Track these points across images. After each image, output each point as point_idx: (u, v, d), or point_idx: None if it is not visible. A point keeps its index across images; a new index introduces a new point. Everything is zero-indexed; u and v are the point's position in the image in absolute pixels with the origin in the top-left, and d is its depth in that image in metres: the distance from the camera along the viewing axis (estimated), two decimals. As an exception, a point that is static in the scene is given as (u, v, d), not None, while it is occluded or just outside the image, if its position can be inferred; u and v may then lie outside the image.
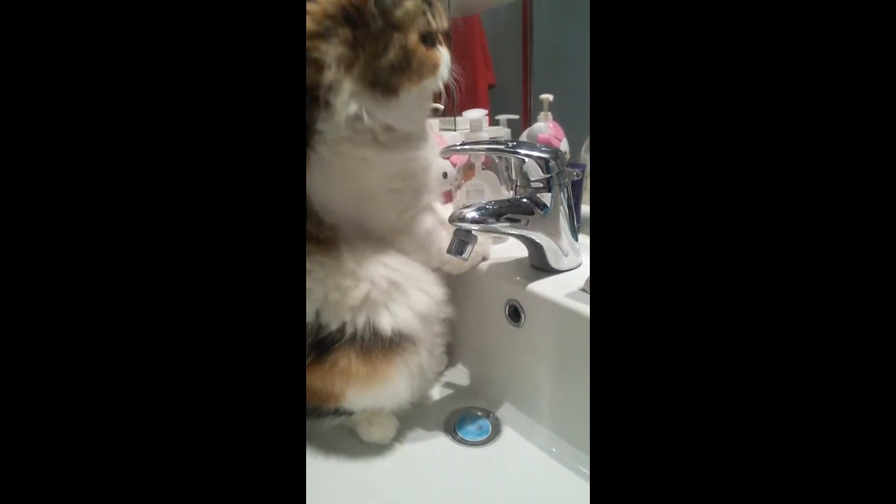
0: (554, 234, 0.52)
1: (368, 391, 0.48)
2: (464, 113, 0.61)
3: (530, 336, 0.53)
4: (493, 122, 0.87)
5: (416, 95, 0.45)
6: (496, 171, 0.63)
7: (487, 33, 1.11)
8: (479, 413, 0.57)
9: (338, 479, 0.48)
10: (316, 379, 0.47)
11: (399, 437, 0.52)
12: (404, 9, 0.42)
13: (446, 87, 0.47)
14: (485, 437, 0.53)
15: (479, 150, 0.55)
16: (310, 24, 0.41)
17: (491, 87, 1.15)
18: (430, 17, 0.43)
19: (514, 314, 0.55)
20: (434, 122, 0.77)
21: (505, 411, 0.57)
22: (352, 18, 0.41)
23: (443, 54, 0.45)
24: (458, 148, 0.50)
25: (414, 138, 0.48)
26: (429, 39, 0.44)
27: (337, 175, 0.45)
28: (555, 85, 0.85)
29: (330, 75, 0.41)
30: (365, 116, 0.43)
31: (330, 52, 0.41)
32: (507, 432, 0.54)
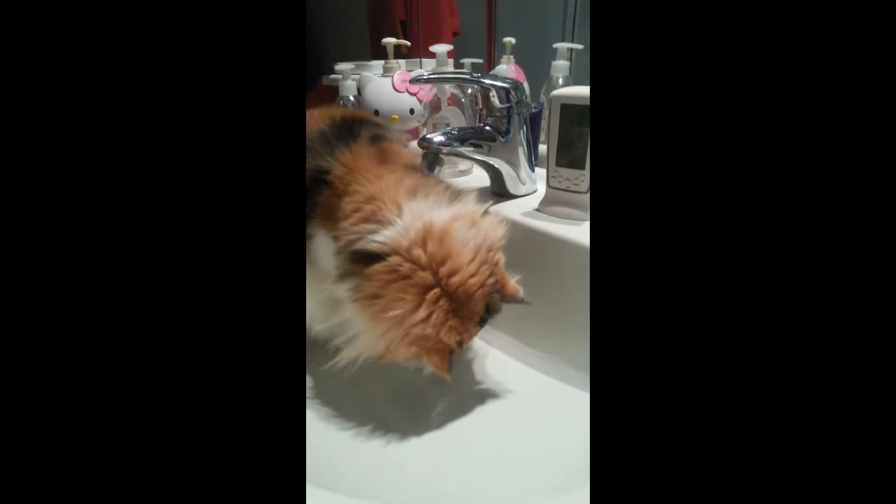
0: (514, 163, 0.58)
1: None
2: (430, 47, 0.64)
3: (491, 254, 0.59)
4: (458, 66, 0.90)
5: None
6: (461, 108, 0.67)
7: (452, -22, 1.12)
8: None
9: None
10: None
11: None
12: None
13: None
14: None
15: (446, 79, 0.58)
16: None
17: (455, 34, 1.17)
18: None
19: (477, 235, 0.61)
20: (401, 63, 0.80)
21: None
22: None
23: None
24: (426, 78, 0.53)
25: None
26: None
27: None
28: (518, 32, 0.89)
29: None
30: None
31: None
32: (470, 340, 0.60)
